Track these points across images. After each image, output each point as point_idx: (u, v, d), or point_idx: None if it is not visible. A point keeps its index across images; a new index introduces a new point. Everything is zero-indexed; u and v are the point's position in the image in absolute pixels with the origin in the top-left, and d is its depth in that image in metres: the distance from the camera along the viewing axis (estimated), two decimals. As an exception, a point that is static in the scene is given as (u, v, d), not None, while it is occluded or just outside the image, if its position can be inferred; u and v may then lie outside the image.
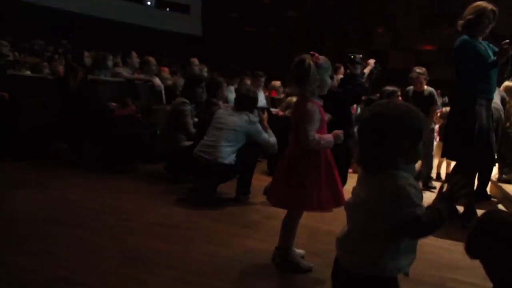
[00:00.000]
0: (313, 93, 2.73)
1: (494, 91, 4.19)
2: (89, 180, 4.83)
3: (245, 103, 4.43)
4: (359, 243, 1.62)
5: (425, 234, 1.54)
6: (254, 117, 4.39)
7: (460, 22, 4.10)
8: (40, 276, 2.53)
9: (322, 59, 2.74)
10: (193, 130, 4.97)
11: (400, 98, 6.54)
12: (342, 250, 1.69)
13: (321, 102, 2.78)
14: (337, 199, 2.81)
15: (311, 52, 2.74)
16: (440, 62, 17.56)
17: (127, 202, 4.17)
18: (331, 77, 7.70)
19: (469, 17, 3.99)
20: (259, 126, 4.37)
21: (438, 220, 1.52)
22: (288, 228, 2.87)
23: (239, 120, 4.27)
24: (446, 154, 4.40)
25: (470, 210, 4.19)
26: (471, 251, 1.59)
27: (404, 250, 1.59)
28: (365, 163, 1.64)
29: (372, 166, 1.61)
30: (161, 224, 3.61)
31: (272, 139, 4.43)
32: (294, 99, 4.64)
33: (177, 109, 5.01)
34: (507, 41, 3.79)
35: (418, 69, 6.10)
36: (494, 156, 4.34)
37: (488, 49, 4.02)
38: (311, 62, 2.68)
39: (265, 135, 4.40)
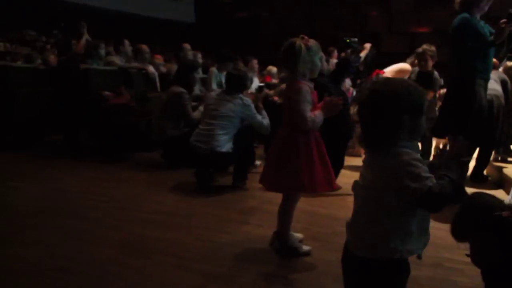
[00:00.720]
0: (303, 76, 2.73)
1: (490, 71, 4.17)
2: (85, 170, 4.82)
3: (235, 83, 4.36)
4: (368, 226, 1.58)
5: (442, 204, 1.48)
6: (248, 100, 4.37)
7: (458, 0, 4.06)
8: (38, 267, 2.53)
9: (312, 42, 2.74)
10: (194, 116, 4.94)
11: None
12: (351, 234, 1.67)
13: (312, 84, 2.78)
14: (330, 182, 2.83)
15: (301, 35, 2.74)
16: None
17: (124, 191, 4.16)
18: (327, 61, 7.71)
19: None
20: (253, 109, 4.34)
21: (453, 187, 1.48)
22: (285, 212, 2.86)
23: (233, 105, 4.25)
24: (438, 132, 4.43)
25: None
26: (456, 235, 1.60)
27: (415, 232, 1.56)
28: (368, 142, 1.61)
29: (374, 145, 1.59)
30: (159, 212, 3.61)
31: (266, 120, 4.41)
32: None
33: (175, 97, 4.97)
34: (505, 20, 3.77)
35: (426, 46, 5.66)
36: (495, 139, 4.33)
37: (485, 28, 4.00)
38: (302, 45, 2.68)
39: (259, 117, 4.37)
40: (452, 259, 2.94)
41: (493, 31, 3.88)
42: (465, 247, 3.15)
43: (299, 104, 2.66)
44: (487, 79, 4.09)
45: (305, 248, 2.88)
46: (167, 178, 4.66)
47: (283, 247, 2.85)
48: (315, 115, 2.71)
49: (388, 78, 1.62)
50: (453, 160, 1.59)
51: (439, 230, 3.55)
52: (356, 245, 1.63)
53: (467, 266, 2.82)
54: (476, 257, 1.58)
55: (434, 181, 1.47)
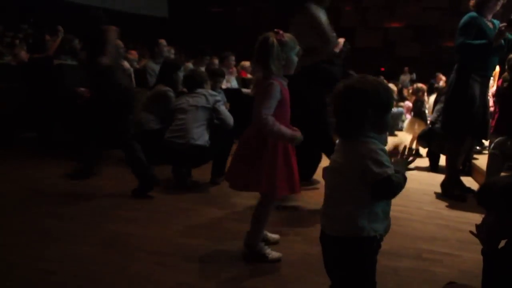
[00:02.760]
0: (277, 72, 2.57)
1: (491, 70, 4.29)
2: (61, 168, 4.73)
3: (192, 82, 4.47)
4: (337, 207, 1.73)
5: (392, 193, 1.68)
6: (212, 92, 4.47)
7: (472, 2, 4.16)
8: (18, 269, 2.48)
9: (287, 36, 2.60)
10: None
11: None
12: (324, 218, 1.80)
13: (285, 82, 2.63)
14: (292, 186, 2.68)
15: (276, 30, 2.60)
16: (407, 39, 17.79)
17: (102, 188, 4.11)
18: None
19: None
20: (218, 97, 4.45)
21: (403, 182, 1.70)
22: (259, 216, 2.73)
23: (198, 98, 4.31)
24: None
25: (452, 180, 4.36)
26: (484, 200, 1.68)
27: (379, 214, 1.72)
28: (339, 130, 1.78)
29: (345, 133, 1.76)
30: (138, 209, 3.59)
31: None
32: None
33: (160, 95, 4.93)
34: (504, 24, 3.88)
35: None
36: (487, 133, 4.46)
37: (496, 28, 4.10)
38: (275, 40, 2.54)
39: (223, 107, 4.49)
40: (431, 250, 3.01)
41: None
42: (442, 238, 3.25)
43: (259, 99, 2.52)
44: (484, 76, 4.20)
45: (274, 254, 2.74)
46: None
47: (250, 253, 2.73)
48: (278, 125, 2.49)
49: (363, 76, 1.74)
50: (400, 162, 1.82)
51: (416, 222, 3.65)
52: (328, 226, 1.78)
53: (445, 257, 2.91)
54: (490, 232, 1.64)
55: (393, 171, 1.66)
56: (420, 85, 7.50)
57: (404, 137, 7.16)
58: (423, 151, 6.47)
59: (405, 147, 1.91)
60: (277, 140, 2.59)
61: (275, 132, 2.49)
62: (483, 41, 3.96)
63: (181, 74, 5.16)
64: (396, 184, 1.65)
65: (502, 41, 3.96)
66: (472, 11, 4.13)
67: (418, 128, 6.70)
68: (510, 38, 4.02)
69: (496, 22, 4.16)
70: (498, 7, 4.08)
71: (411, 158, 1.90)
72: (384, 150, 1.69)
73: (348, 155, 1.72)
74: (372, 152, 1.65)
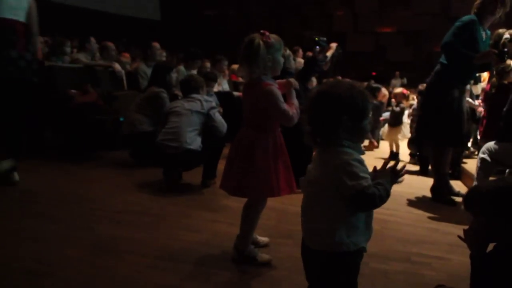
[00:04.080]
0: (263, 74, 2.56)
1: (471, 78, 4.36)
2: (51, 170, 4.71)
3: (188, 87, 4.48)
4: (314, 220, 1.69)
5: (372, 206, 1.61)
6: (208, 98, 4.48)
7: (476, 4, 4.19)
8: (5, 270, 2.46)
9: (273, 37, 2.56)
10: None
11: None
12: (303, 229, 1.77)
13: (275, 83, 2.62)
14: (291, 185, 2.70)
15: (261, 31, 2.56)
16: (398, 44, 17.90)
17: (93, 190, 4.09)
18: (293, 59, 7.77)
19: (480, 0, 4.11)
20: (214, 104, 4.46)
21: (384, 193, 1.60)
22: (249, 218, 2.74)
23: (194, 103, 4.32)
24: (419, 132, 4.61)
25: (442, 185, 4.43)
26: (470, 205, 1.66)
27: (360, 226, 1.67)
28: (313, 139, 1.70)
29: (319, 142, 1.69)
30: (129, 211, 3.58)
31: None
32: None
33: (153, 97, 4.94)
34: (494, 50, 3.94)
35: None
36: (464, 137, 4.51)
37: (487, 40, 4.14)
38: (261, 42, 2.50)
39: (218, 114, 4.49)
40: (420, 254, 3.03)
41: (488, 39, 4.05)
42: (432, 242, 3.27)
43: (278, 107, 2.52)
44: (463, 84, 4.27)
45: (264, 257, 2.74)
46: (136, 177, 4.62)
47: (240, 255, 2.72)
48: (291, 107, 2.60)
49: (337, 81, 1.72)
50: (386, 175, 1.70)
51: (406, 225, 3.68)
52: (308, 239, 1.74)
53: (434, 260, 2.93)
54: (477, 236, 1.64)
55: (370, 182, 1.59)
56: (398, 90, 7.47)
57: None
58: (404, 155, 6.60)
59: (396, 161, 1.81)
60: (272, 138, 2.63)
61: (296, 110, 2.59)
62: (468, 53, 3.99)
63: (173, 76, 5.19)
64: (373, 196, 1.57)
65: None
66: (472, 15, 4.15)
67: (396, 133, 6.78)
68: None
69: (489, 32, 4.21)
70: (497, 15, 4.11)
71: (400, 167, 1.75)
72: (360, 161, 1.62)
73: (322, 166, 1.66)
74: (345, 163, 1.58)
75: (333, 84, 1.68)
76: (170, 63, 6.47)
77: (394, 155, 6.94)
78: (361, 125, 1.66)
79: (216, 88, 6.51)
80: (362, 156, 1.67)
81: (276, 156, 2.64)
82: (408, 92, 7.91)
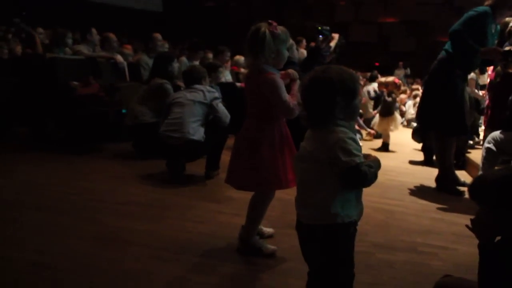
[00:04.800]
0: (267, 64, 2.52)
1: (475, 69, 4.31)
2: (54, 163, 4.69)
3: (191, 78, 4.45)
4: (310, 194, 1.76)
5: (363, 182, 1.69)
6: (211, 88, 4.45)
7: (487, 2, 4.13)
8: (10, 263, 2.46)
9: (280, 29, 2.53)
10: None
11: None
12: (298, 206, 1.84)
13: (278, 74, 2.58)
14: None
15: (269, 21, 2.52)
16: (401, 34, 17.80)
17: (95, 182, 4.08)
18: (296, 49, 7.71)
19: None
20: (217, 94, 4.43)
21: (373, 175, 1.68)
22: (256, 210, 2.72)
23: (196, 93, 4.29)
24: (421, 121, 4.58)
25: (447, 175, 4.39)
26: (476, 195, 1.65)
27: (352, 200, 1.74)
28: (309, 121, 1.79)
29: (315, 123, 1.77)
30: (132, 203, 3.56)
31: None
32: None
33: (157, 88, 4.91)
34: (501, 50, 3.91)
35: None
36: (467, 125, 4.48)
37: (496, 35, 4.10)
38: (267, 31, 2.47)
39: (221, 104, 4.46)
40: (425, 244, 3.01)
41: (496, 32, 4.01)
42: (437, 232, 3.25)
43: (280, 97, 2.49)
44: (466, 73, 4.24)
45: (269, 248, 2.72)
46: (139, 168, 4.60)
47: (245, 246, 2.71)
48: (293, 98, 2.57)
49: (327, 66, 1.76)
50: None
51: (411, 215, 3.66)
52: (303, 214, 1.80)
53: (440, 250, 2.91)
54: (484, 226, 1.63)
55: (363, 160, 1.67)
56: (390, 78, 7.26)
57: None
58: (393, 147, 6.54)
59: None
60: (275, 132, 2.59)
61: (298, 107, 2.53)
62: (474, 45, 3.95)
63: (175, 66, 5.16)
64: (364, 174, 1.64)
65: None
66: (487, 6, 4.08)
67: (388, 124, 6.66)
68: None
69: (498, 27, 4.16)
70: (507, 16, 4.06)
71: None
72: (354, 139, 1.69)
73: (317, 143, 1.73)
74: (341, 140, 1.65)
75: (323, 70, 1.75)
76: (171, 53, 6.42)
77: (384, 146, 6.79)
78: (353, 104, 1.74)
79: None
80: None
81: (282, 147, 2.62)
82: (400, 82, 7.74)
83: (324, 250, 1.75)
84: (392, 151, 6.66)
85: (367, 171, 1.65)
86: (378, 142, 7.05)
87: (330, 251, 1.74)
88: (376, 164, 1.74)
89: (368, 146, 6.86)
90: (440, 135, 4.34)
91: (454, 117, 4.18)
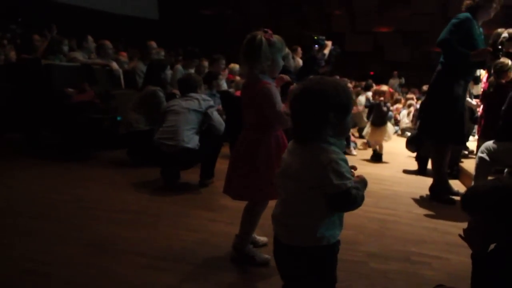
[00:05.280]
0: (263, 72, 2.51)
1: (473, 74, 4.34)
2: (48, 169, 4.68)
3: (186, 86, 4.47)
4: (293, 215, 1.68)
5: (350, 207, 1.63)
6: (206, 96, 4.46)
7: (467, 2, 4.14)
8: (2, 270, 2.44)
9: (275, 37, 2.52)
10: None
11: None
12: (279, 225, 1.75)
13: (274, 83, 2.57)
14: None
15: (265, 29, 2.51)
16: (396, 44, 17.91)
17: (90, 190, 4.06)
18: (292, 58, 7.74)
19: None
20: (212, 102, 4.45)
21: (360, 198, 1.63)
22: (250, 218, 2.71)
23: (192, 101, 4.30)
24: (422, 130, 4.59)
25: (441, 184, 4.40)
26: (468, 206, 1.66)
27: (336, 222, 1.69)
28: (297, 135, 1.70)
29: (303, 138, 1.67)
30: (126, 211, 3.55)
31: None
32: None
33: (150, 95, 4.92)
34: (490, 49, 3.93)
35: None
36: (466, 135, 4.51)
37: (481, 35, 4.14)
38: (263, 39, 2.46)
39: (216, 113, 4.46)
40: (419, 253, 3.02)
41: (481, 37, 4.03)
42: (431, 241, 3.26)
43: (273, 108, 2.47)
44: (466, 80, 4.25)
45: (263, 257, 2.70)
46: (133, 176, 4.59)
47: (239, 255, 2.70)
48: (287, 107, 2.48)
49: (321, 77, 1.70)
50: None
51: (405, 225, 3.66)
52: (285, 236, 1.72)
53: (433, 260, 2.92)
54: (477, 236, 1.64)
55: (353, 183, 1.61)
56: (384, 88, 7.22)
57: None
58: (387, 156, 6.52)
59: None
60: (271, 141, 2.58)
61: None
62: (463, 51, 3.98)
63: (168, 73, 5.16)
64: (354, 199, 1.59)
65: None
66: (464, 12, 4.13)
67: (381, 134, 6.62)
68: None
69: (481, 29, 4.20)
70: (492, 14, 4.10)
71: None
72: (345, 160, 1.61)
73: (306, 161, 1.62)
74: (333, 162, 1.57)
75: (317, 81, 1.65)
76: (165, 60, 6.43)
77: (377, 156, 6.74)
78: (345, 121, 1.65)
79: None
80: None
81: (279, 156, 2.60)
82: (393, 91, 7.75)
83: (307, 269, 1.69)
84: (385, 162, 6.62)
85: (356, 194, 1.59)
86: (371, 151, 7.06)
87: (313, 271, 1.69)
88: (363, 185, 1.69)
89: (361, 156, 6.88)
90: (439, 144, 4.35)
91: (455, 126, 4.19)
